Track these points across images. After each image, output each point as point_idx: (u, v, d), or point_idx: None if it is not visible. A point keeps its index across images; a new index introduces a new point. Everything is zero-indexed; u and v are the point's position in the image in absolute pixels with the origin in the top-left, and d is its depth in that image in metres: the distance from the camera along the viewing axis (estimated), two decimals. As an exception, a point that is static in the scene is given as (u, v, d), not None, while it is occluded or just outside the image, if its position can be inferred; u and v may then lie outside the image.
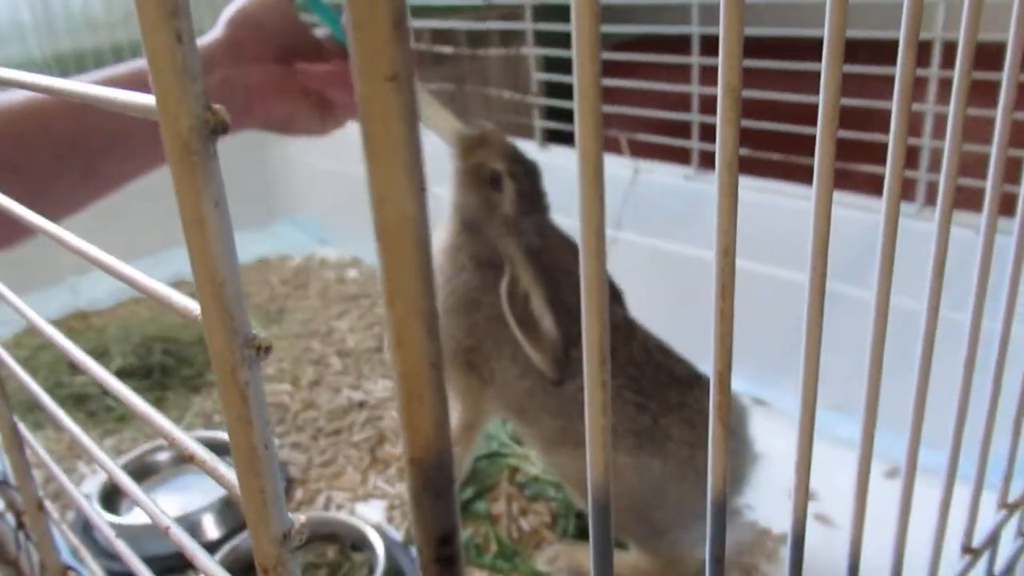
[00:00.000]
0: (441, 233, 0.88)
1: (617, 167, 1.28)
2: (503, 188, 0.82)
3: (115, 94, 0.22)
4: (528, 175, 0.83)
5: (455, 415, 0.90)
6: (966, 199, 1.07)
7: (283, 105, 0.76)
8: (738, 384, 1.16)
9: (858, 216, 1.02)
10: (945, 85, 0.92)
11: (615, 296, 0.88)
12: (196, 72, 0.18)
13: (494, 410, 0.88)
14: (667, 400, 0.80)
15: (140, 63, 0.71)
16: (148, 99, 0.20)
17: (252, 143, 1.96)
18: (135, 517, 0.98)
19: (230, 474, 0.30)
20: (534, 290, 0.79)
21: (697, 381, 0.82)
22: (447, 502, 0.19)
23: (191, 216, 0.21)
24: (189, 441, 0.34)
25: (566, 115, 2.04)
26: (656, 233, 1.24)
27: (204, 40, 0.73)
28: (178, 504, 0.98)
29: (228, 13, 0.76)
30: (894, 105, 0.38)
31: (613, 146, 1.27)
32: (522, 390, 0.83)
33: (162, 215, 1.89)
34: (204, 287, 0.22)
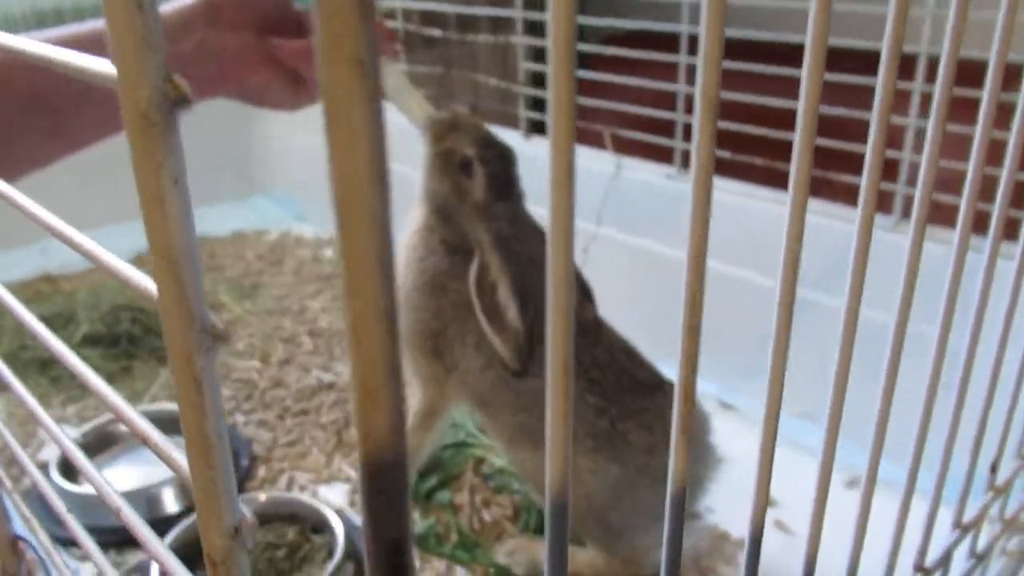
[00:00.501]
0: (414, 214, 0.87)
1: (600, 162, 1.27)
2: (473, 174, 0.81)
3: (72, 57, 0.21)
4: (500, 160, 0.81)
5: (417, 400, 0.89)
6: (945, 216, 1.08)
7: (257, 76, 0.75)
8: (706, 387, 1.16)
9: (835, 225, 1.03)
10: (927, 99, 0.92)
11: (585, 294, 0.88)
12: (158, 41, 0.17)
13: (456, 399, 0.87)
14: (627, 405, 0.80)
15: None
16: (106, 66, 0.19)
17: (233, 115, 1.93)
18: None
19: (182, 459, 0.29)
20: (501, 279, 0.79)
21: (660, 386, 0.83)
22: (399, 507, 0.18)
23: (149, 193, 0.20)
24: (140, 420, 0.33)
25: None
26: (636, 231, 1.23)
27: (183, 2, 0.71)
28: (139, 476, 0.97)
29: None
30: (873, 116, 0.38)
31: (597, 140, 1.27)
32: (485, 382, 0.82)
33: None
34: (161, 268, 0.22)
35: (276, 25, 0.75)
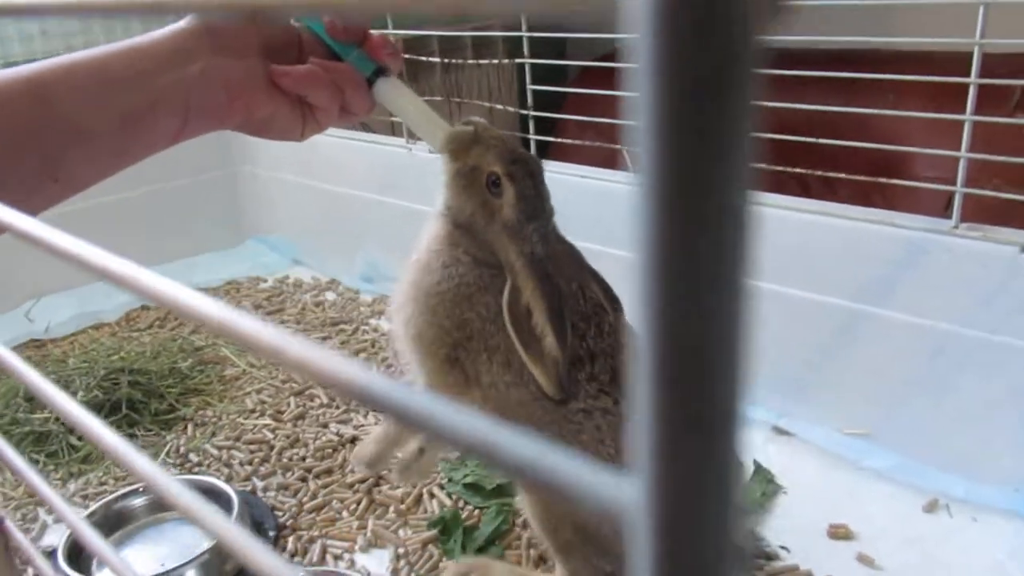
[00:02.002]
0: (432, 227, 0.85)
1: (622, 182, 1.25)
2: (502, 193, 0.78)
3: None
4: (529, 176, 0.78)
5: None
6: (1009, 215, 1.06)
7: (266, 105, 0.72)
8: (757, 413, 1.14)
9: (884, 231, 1.01)
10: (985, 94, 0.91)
11: (615, 305, 0.86)
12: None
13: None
14: None
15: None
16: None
17: (217, 157, 1.92)
18: (107, 574, 0.92)
19: (234, 530, 0.26)
20: (537, 305, 0.76)
21: None
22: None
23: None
24: (182, 490, 0.30)
25: (552, 126, 2.02)
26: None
27: (179, 26, 0.69)
28: (156, 559, 0.93)
29: None
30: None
31: (615, 160, 1.25)
32: (511, 399, 0.80)
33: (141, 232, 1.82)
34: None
35: (279, 51, 0.73)
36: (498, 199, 0.78)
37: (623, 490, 0.15)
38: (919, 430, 1.02)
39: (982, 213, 1.03)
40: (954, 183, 0.97)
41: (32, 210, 0.66)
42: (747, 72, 0.13)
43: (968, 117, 0.91)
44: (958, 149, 0.94)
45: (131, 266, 0.25)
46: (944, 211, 1.10)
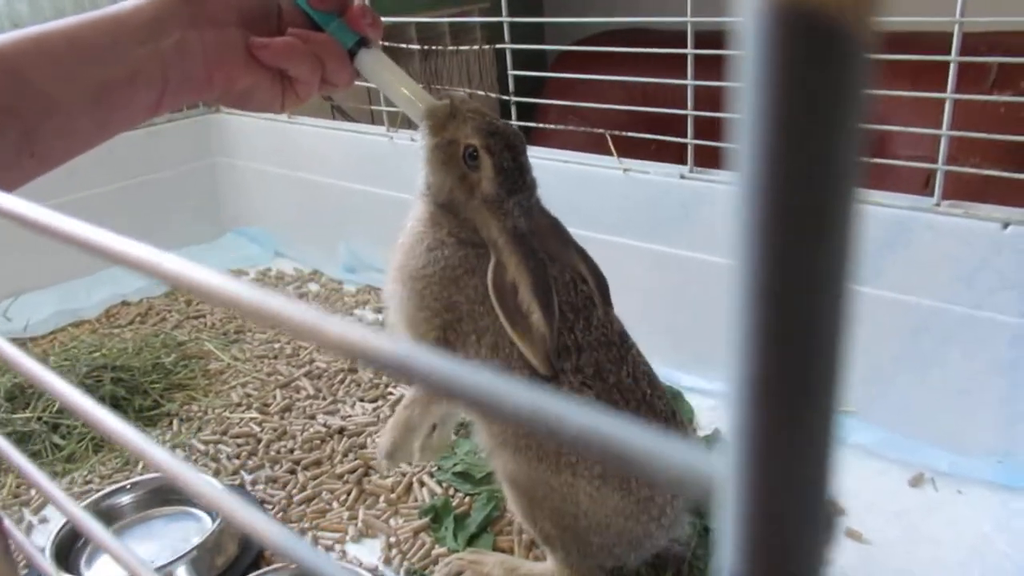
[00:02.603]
0: (415, 210, 0.84)
1: (607, 167, 1.25)
2: (480, 166, 0.77)
3: None
4: (508, 148, 0.77)
5: (415, 387, 0.86)
6: (986, 192, 1.07)
7: (245, 77, 0.71)
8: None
9: (868, 210, 1.02)
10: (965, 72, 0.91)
11: (602, 293, 0.85)
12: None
13: None
14: None
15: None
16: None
17: (195, 148, 1.90)
18: (99, 573, 0.92)
19: (263, 521, 0.26)
20: (522, 280, 0.75)
21: (672, 420, 0.81)
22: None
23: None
24: (200, 479, 0.30)
25: (533, 112, 2.02)
26: (651, 235, 1.22)
27: None
28: (147, 554, 0.92)
29: None
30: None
31: (600, 145, 1.25)
32: None
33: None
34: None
35: (258, 21, 0.72)
36: (476, 172, 0.77)
37: (714, 465, 0.15)
38: (904, 406, 1.03)
39: (962, 190, 1.04)
40: (933, 161, 0.98)
41: (8, 186, 0.65)
42: (857, 63, 0.13)
43: (949, 95, 0.91)
44: (938, 127, 0.95)
45: (153, 251, 0.25)
46: (924, 189, 1.11)
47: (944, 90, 0.93)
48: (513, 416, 0.16)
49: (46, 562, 0.37)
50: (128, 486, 1.02)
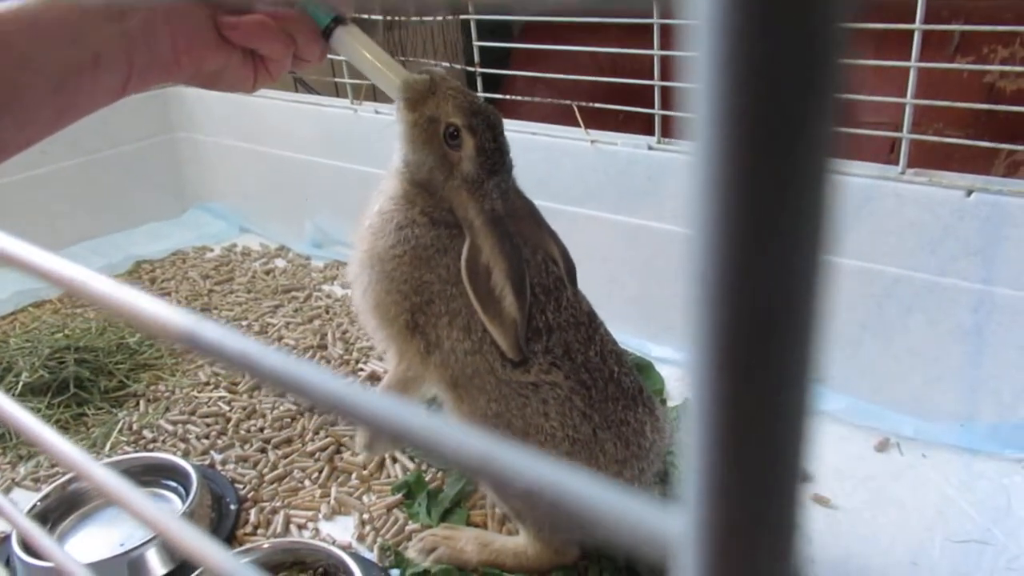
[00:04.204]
0: (387, 185, 0.83)
1: (575, 139, 1.24)
2: (462, 145, 0.76)
3: None
4: (490, 128, 0.76)
5: (391, 370, 0.85)
6: (950, 157, 1.08)
7: (215, 58, 0.69)
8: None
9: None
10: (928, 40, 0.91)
11: (570, 275, 0.85)
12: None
13: (432, 380, 0.83)
14: (610, 415, 0.79)
15: None
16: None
17: (156, 123, 1.85)
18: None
19: (167, 519, 0.26)
20: (496, 264, 0.75)
21: (640, 397, 0.82)
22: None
23: None
24: (111, 477, 0.29)
25: (500, 83, 1.99)
26: (619, 207, 1.21)
27: None
28: (117, 537, 0.91)
29: None
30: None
31: (568, 116, 1.24)
32: (467, 366, 0.79)
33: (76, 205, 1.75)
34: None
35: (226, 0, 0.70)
36: (457, 152, 0.76)
37: (669, 522, 0.14)
38: (870, 372, 1.04)
39: (926, 155, 1.04)
40: (898, 127, 0.98)
41: None
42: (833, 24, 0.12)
43: (913, 64, 0.91)
44: (902, 93, 0.95)
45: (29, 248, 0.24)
46: (889, 154, 1.12)
47: (908, 56, 0.93)
48: (462, 466, 0.15)
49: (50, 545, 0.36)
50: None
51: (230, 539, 0.92)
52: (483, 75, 1.34)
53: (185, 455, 1.07)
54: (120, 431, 1.15)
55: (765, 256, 0.13)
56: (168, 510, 0.26)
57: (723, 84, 0.12)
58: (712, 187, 0.13)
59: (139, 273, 1.64)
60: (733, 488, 0.13)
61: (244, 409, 1.16)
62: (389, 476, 1.01)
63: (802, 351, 0.13)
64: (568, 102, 1.23)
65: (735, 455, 0.13)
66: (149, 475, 1.00)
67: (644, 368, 1.14)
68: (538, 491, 0.14)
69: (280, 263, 1.65)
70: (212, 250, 1.73)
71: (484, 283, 0.75)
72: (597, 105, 1.23)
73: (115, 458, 1.04)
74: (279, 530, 0.93)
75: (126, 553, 0.86)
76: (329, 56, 0.79)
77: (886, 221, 0.99)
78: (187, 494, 0.93)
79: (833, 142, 0.13)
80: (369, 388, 0.17)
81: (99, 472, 0.25)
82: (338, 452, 1.06)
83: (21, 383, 1.20)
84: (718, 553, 0.13)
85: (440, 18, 1.63)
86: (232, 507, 0.95)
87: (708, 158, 0.13)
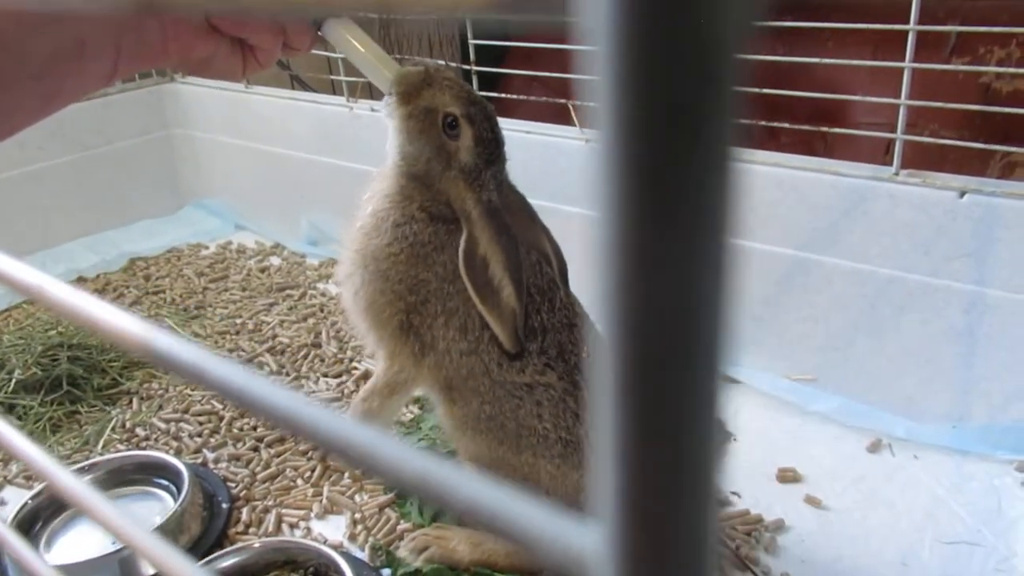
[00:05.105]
0: (382, 183, 0.82)
1: (570, 137, 1.24)
2: (460, 135, 0.75)
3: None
4: (487, 119, 0.76)
5: (379, 372, 0.85)
6: (944, 161, 1.08)
7: (204, 46, 0.69)
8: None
9: (824, 179, 1.02)
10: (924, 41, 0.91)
11: (562, 273, 0.85)
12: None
13: (425, 382, 0.82)
14: None
15: None
16: None
17: (151, 119, 1.85)
18: (59, 555, 0.91)
19: (135, 529, 0.26)
20: (494, 254, 0.75)
21: None
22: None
23: None
24: (81, 487, 0.29)
25: (496, 81, 1.99)
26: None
27: None
28: (107, 537, 0.91)
29: None
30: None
31: (563, 115, 1.24)
32: (463, 367, 0.79)
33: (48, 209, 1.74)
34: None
35: None
36: (455, 141, 0.76)
37: (585, 538, 0.14)
38: (862, 373, 1.04)
39: (921, 155, 1.04)
40: (894, 127, 0.98)
41: None
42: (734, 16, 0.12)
43: (907, 64, 0.91)
44: (897, 93, 0.95)
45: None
46: (885, 154, 1.12)
47: (904, 57, 0.94)
48: (399, 482, 0.15)
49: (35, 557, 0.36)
50: (87, 467, 1.00)
51: (221, 538, 0.92)
52: (479, 73, 1.34)
53: (178, 453, 1.07)
54: (113, 429, 1.14)
55: (664, 245, 0.13)
56: (137, 521, 0.26)
57: (621, 76, 0.12)
58: (613, 177, 0.13)
59: (133, 271, 1.64)
60: (640, 500, 0.13)
61: (237, 407, 1.16)
62: (382, 475, 1.01)
63: (707, 350, 0.13)
64: (564, 100, 1.23)
65: (642, 464, 0.13)
66: (141, 473, 1.00)
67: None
68: (472, 510, 0.14)
69: (275, 261, 1.65)
70: (207, 247, 1.73)
71: (482, 274, 0.75)
72: (593, 104, 1.23)
73: (107, 456, 1.04)
74: (271, 529, 0.93)
75: (117, 551, 0.86)
76: (325, 54, 0.79)
77: (879, 222, 0.99)
78: (179, 492, 0.93)
79: (733, 133, 0.13)
80: (320, 403, 0.17)
81: (67, 480, 0.25)
82: (331, 451, 1.06)
83: (14, 380, 1.20)
84: (630, 569, 0.13)
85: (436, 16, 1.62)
86: (224, 506, 0.95)
87: (609, 149, 0.12)
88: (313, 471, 1.02)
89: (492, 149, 0.76)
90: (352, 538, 0.91)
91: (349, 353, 1.28)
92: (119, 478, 1.00)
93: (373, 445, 0.16)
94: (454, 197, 0.77)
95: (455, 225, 0.77)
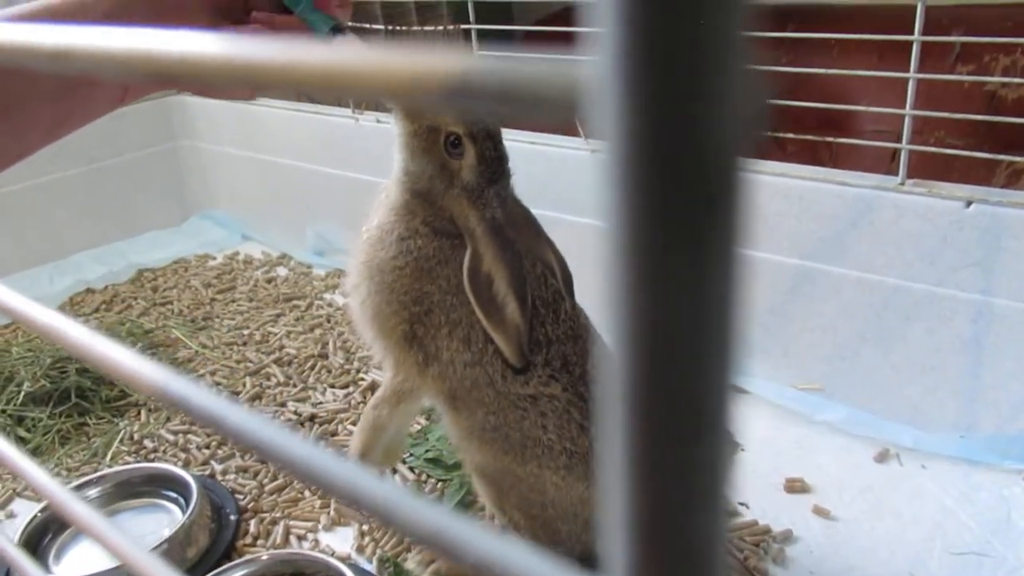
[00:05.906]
0: (386, 198, 0.83)
1: (575, 148, 1.25)
2: (463, 154, 0.76)
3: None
4: (490, 137, 0.76)
5: (385, 382, 0.85)
6: (950, 168, 1.08)
7: None
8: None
9: (831, 189, 1.02)
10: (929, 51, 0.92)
11: (567, 285, 0.86)
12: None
13: (430, 392, 0.83)
14: None
15: None
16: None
17: (158, 131, 1.86)
18: (68, 569, 0.91)
19: (134, 549, 0.26)
20: (498, 271, 0.75)
21: None
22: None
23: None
24: (80, 506, 0.29)
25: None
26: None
27: None
28: (116, 548, 0.92)
29: None
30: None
31: (568, 126, 1.24)
32: (466, 378, 0.79)
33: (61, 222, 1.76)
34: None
35: (224, 7, 0.70)
36: (458, 160, 0.76)
37: None
38: (869, 383, 1.04)
39: (927, 163, 1.04)
40: (900, 135, 0.98)
41: None
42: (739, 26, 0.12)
43: (912, 75, 0.92)
44: (903, 102, 0.96)
45: None
46: (891, 163, 1.12)
47: (909, 66, 0.94)
48: (416, 535, 0.16)
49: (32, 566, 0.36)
50: (95, 479, 1.01)
51: (229, 550, 0.93)
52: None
53: (186, 465, 1.07)
54: (121, 441, 1.15)
55: (673, 256, 0.13)
56: (135, 540, 0.26)
57: (626, 81, 0.12)
58: (621, 188, 0.13)
59: (141, 282, 1.65)
60: (649, 511, 0.13)
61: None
62: (389, 486, 1.01)
63: (716, 361, 0.13)
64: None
65: (650, 475, 0.13)
66: (150, 485, 1.01)
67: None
68: (486, 566, 0.15)
69: (282, 271, 1.65)
70: (214, 258, 1.74)
71: (486, 291, 0.76)
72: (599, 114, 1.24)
73: (116, 468, 1.04)
74: (279, 541, 0.94)
75: (123, 567, 0.86)
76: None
77: (885, 231, 0.99)
78: (187, 504, 0.94)
79: (742, 143, 0.13)
80: (333, 450, 0.17)
81: (65, 498, 0.25)
82: (338, 462, 1.06)
83: (23, 393, 1.21)
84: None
85: (441, 28, 1.63)
86: (232, 518, 0.96)
87: (616, 160, 0.13)
88: (320, 482, 1.02)
89: (495, 167, 0.77)
90: (360, 550, 0.91)
91: (356, 364, 1.28)
92: (127, 490, 1.01)
93: (389, 498, 0.16)
94: (457, 214, 0.78)
95: (459, 240, 0.78)
